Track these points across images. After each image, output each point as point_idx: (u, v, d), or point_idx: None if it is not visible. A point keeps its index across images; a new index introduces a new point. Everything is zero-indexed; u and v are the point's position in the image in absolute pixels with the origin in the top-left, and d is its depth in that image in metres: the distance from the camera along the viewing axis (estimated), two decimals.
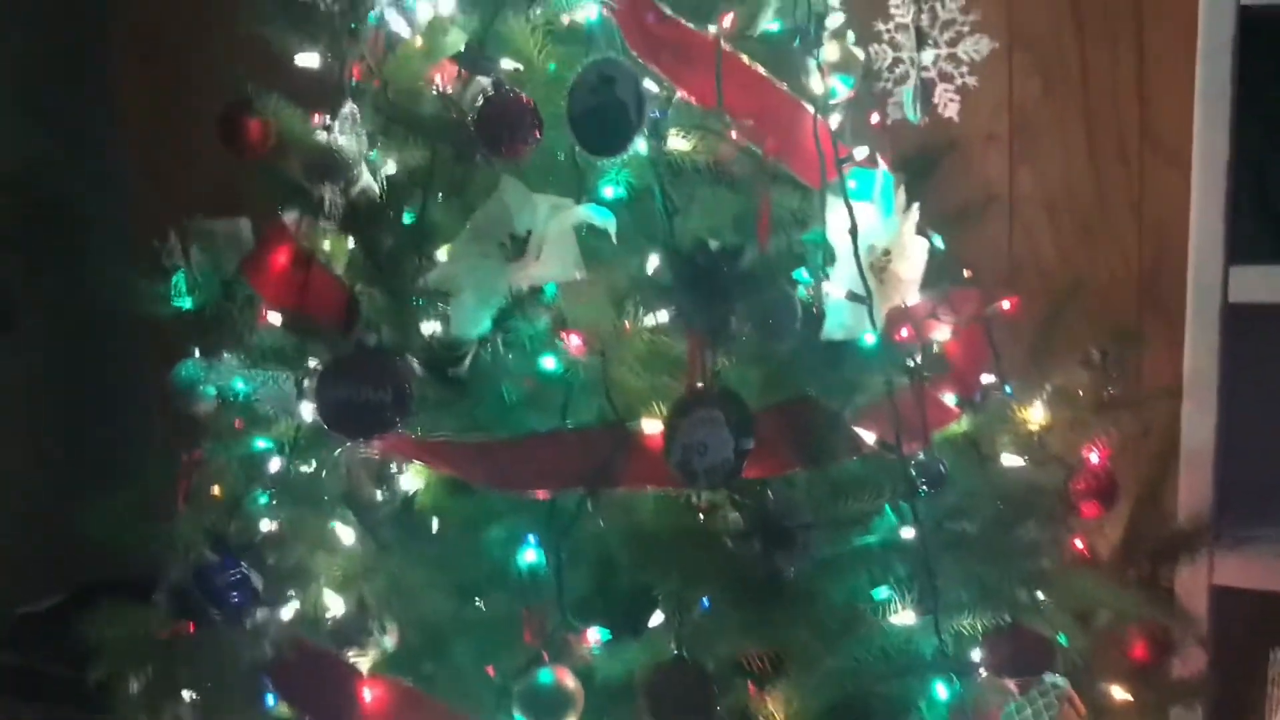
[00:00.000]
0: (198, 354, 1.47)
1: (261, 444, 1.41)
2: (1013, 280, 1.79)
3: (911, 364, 1.23)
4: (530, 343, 1.20)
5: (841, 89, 1.39)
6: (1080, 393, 1.46)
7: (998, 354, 1.48)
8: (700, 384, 1.10)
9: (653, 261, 1.22)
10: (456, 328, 1.19)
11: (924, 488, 1.17)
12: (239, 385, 1.42)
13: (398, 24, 1.35)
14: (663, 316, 1.20)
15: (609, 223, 1.21)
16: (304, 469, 1.34)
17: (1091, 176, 1.80)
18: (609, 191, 1.25)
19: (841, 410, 1.17)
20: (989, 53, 1.52)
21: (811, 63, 1.37)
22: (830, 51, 1.39)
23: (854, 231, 1.27)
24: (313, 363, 1.29)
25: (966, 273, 1.53)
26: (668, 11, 1.33)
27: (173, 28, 2.38)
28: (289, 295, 1.37)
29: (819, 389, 1.17)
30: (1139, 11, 1.74)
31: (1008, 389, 1.47)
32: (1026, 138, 1.82)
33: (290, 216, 1.41)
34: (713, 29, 1.31)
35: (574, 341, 1.17)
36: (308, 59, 1.34)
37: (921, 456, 1.19)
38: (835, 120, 1.40)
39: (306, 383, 1.29)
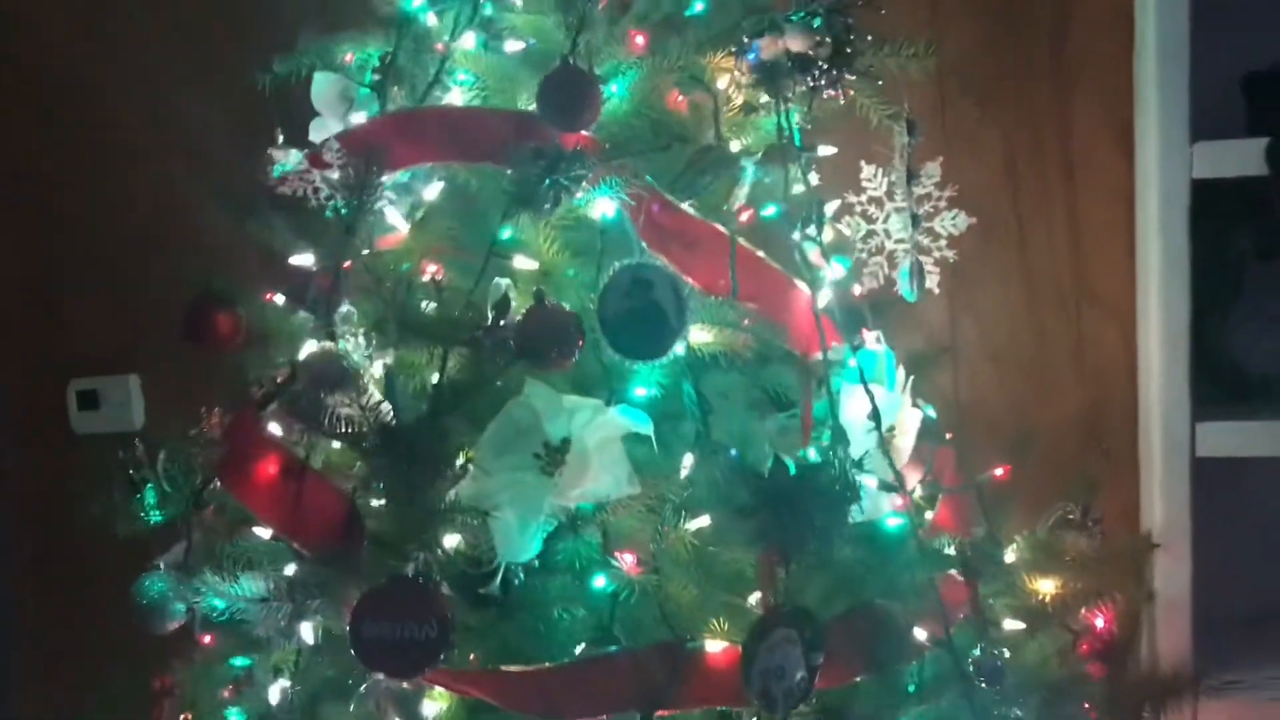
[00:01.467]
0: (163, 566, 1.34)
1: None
2: (962, 429, 1.83)
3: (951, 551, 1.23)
4: (579, 560, 1.14)
5: (838, 269, 1.41)
6: (1070, 553, 1.49)
7: (988, 517, 1.50)
8: (773, 601, 1.07)
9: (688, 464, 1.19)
10: (503, 552, 1.12)
11: (982, 683, 1.16)
12: (218, 602, 1.30)
13: (393, 217, 1.29)
14: (704, 521, 1.17)
15: (646, 427, 1.17)
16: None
17: (1032, 327, 1.87)
18: (640, 392, 1.21)
19: (902, 613, 1.15)
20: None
21: (811, 246, 1.38)
22: (826, 233, 1.40)
23: (877, 417, 1.27)
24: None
25: (948, 434, 1.56)
26: (670, 199, 1.32)
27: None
28: (280, 509, 1.27)
29: (877, 591, 1.15)
30: (1070, 172, 1.83)
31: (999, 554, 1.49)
32: (966, 290, 1.88)
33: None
34: (722, 226, 1.31)
35: (628, 560, 1.12)
36: (303, 259, 1.26)
37: (978, 652, 1.18)
38: (828, 298, 1.42)
39: (307, 601, 1.20)
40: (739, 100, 1.40)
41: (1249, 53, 1.58)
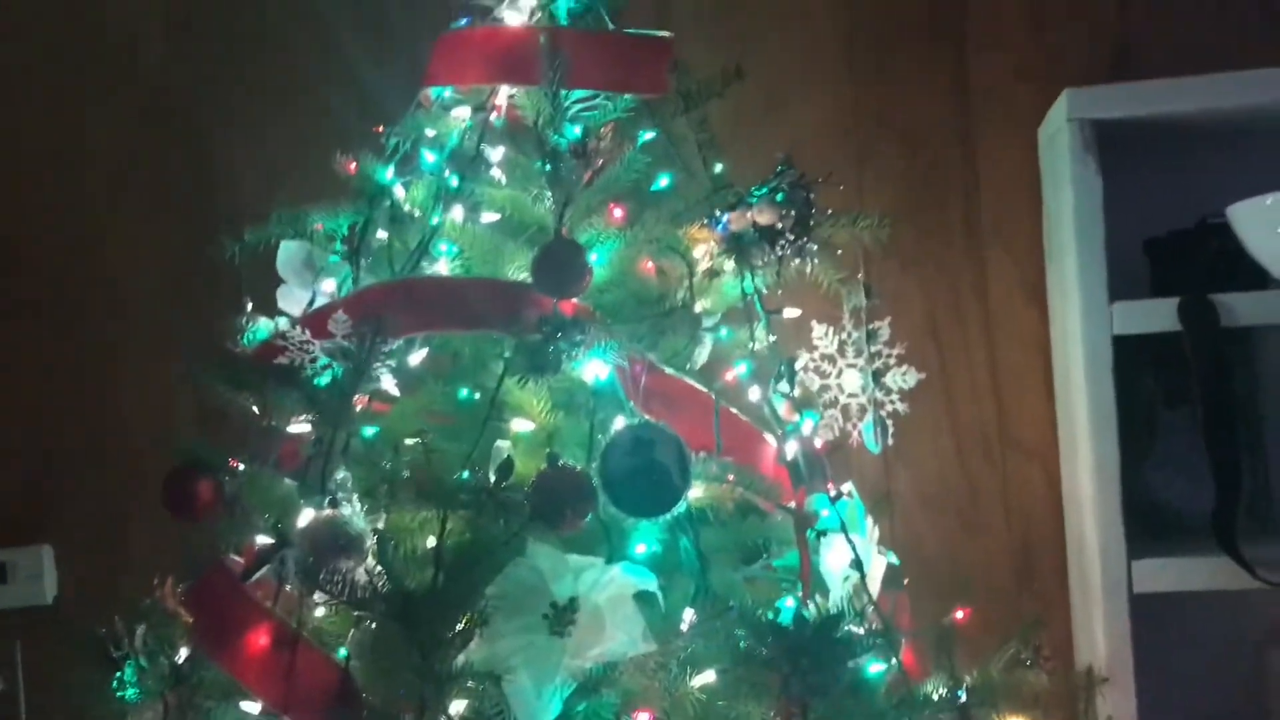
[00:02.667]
0: None
1: None
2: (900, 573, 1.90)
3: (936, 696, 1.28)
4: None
5: (808, 424, 1.48)
6: (1027, 691, 1.55)
7: (952, 663, 1.56)
8: None
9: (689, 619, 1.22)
10: (520, 717, 1.12)
11: None
12: None
13: (388, 384, 1.31)
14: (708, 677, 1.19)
15: (653, 584, 1.20)
16: None
17: (961, 472, 1.97)
18: (640, 549, 1.25)
19: None
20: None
21: (780, 401, 1.45)
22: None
23: (860, 567, 1.33)
24: None
25: (905, 580, 1.63)
26: (654, 361, 1.38)
27: None
28: (270, 680, 1.25)
29: None
30: (988, 326, 1.96)
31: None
32: (899, 439, 1.97)
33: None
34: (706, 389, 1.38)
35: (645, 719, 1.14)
36: (300, 427, 1.27)
37: None
38: (795, 450, 1.49)
39: None
40: (704, 266, 1.48)
41: (1150, 220, 1.75)
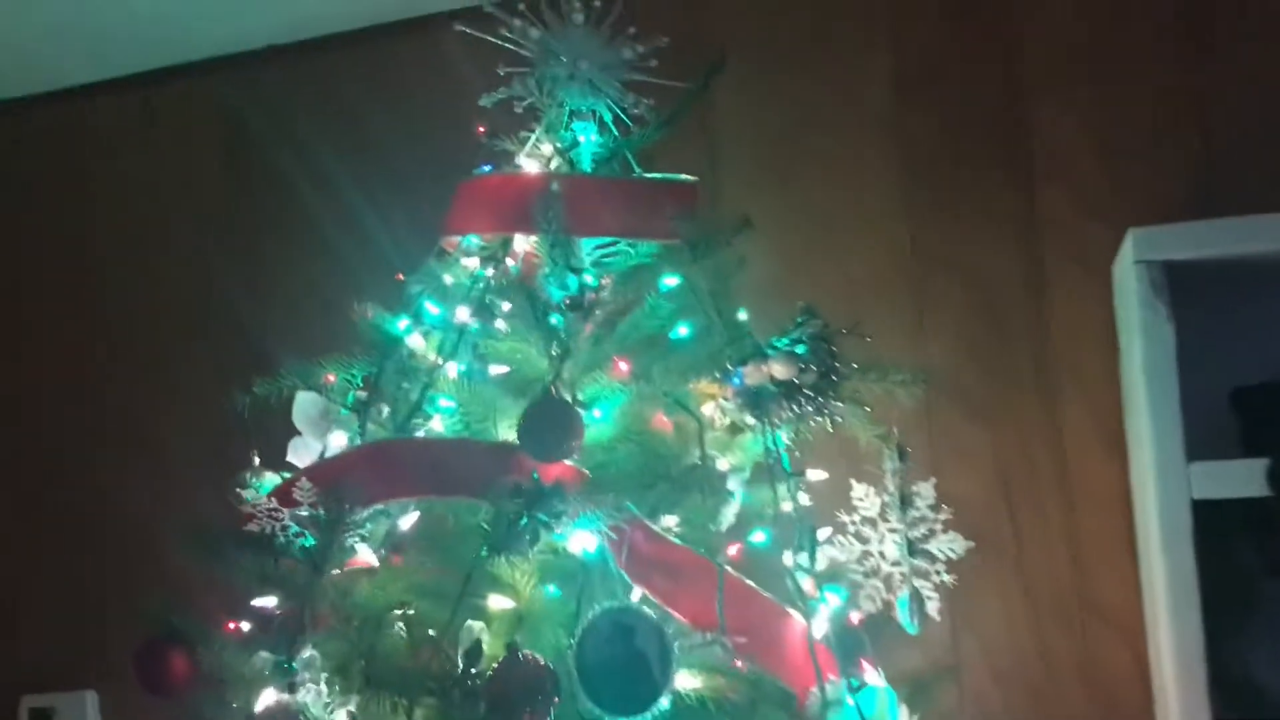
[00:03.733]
0: None
1: None
2: None
3: None
4: None
5: (833, 599, 1.34)
6: None
7: None
8: None
9: None
10: None
11: None
12: None
13: (365, 553, 1.23)
14: None
15: None
16: None
17: (1036, 645, 1.78)
18: None
19: None
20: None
21: (802, 573, 1.32)
22: (820, 560, 1.35)
23: None
24: None
25: None
26: (654, 528, 1.27)
27: None
28: None
29: None
30: (1063, 482, 1.79)
31: None
32: (965, 607, 1.80)
33: None
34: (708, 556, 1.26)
35: None
36: (266, 601, 1.20)
37: None
38: (823, 629, 1.34)
39: None
40: (725, 421, 1.37)
41: (1236, 369, 1.58)
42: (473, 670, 1.09)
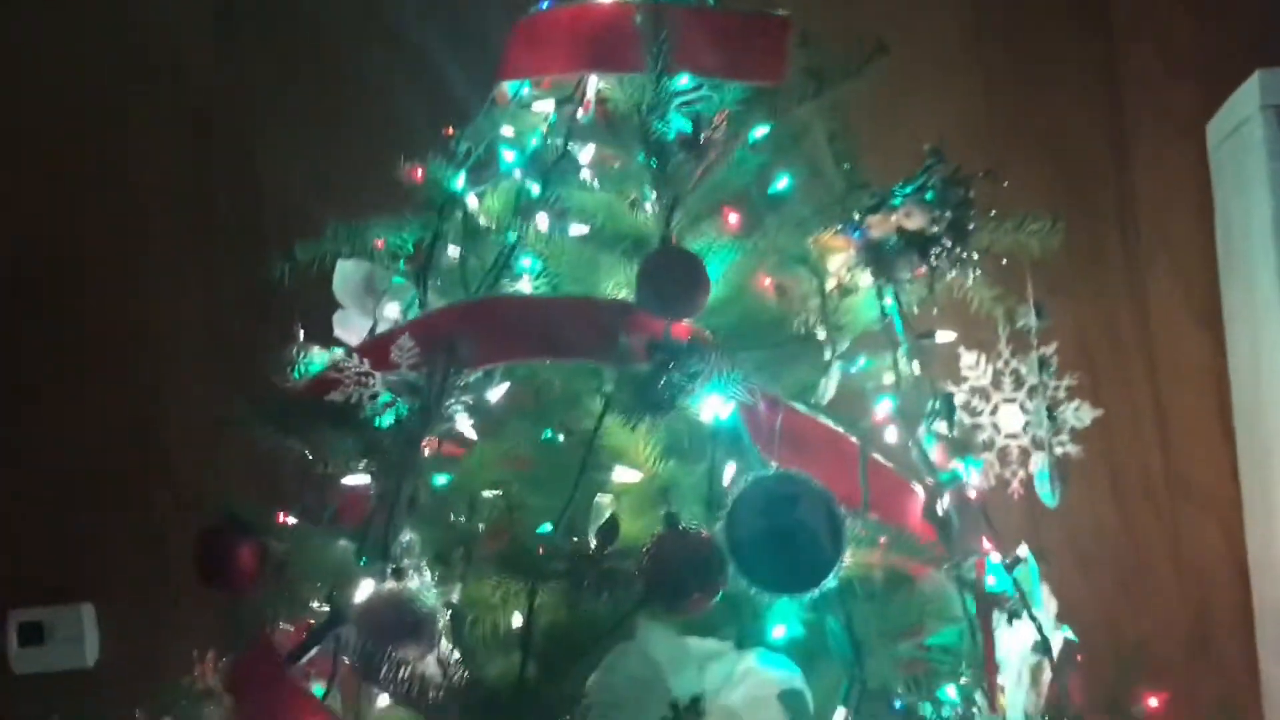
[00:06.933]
0: None
1: None
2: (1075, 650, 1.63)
3: None
4: None
5: (969, 473, 1.23)
6: None
7: None
8: None
9: None
10: None
11: None
12: None
13: (463, 425, 1.08)
14: None
15: (796, 678, 0.95)
16: None
17: (1121, 525, 1.70)
18: (779, 632, 1.00)
19: None
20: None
21: (933, 445, 1.21)
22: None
23: (1047, 647, 1.07)
24: None
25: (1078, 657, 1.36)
26: (780, 397, 1.14)
27: None
28: None
29: None
30: (1152, 359, 1.69)
31: None
32: None
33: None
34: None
35: None
36: (359, 479, 1.05)
37: None
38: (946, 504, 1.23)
39: None
40: (840, 283, 1.24)
41: None
42: (606, 550, 0.96)
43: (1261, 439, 1.52)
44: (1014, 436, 1.39)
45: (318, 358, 1.33)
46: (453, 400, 1.01)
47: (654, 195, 1.13)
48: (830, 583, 0.93)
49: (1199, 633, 1.67)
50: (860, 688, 0.98)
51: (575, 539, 0.98)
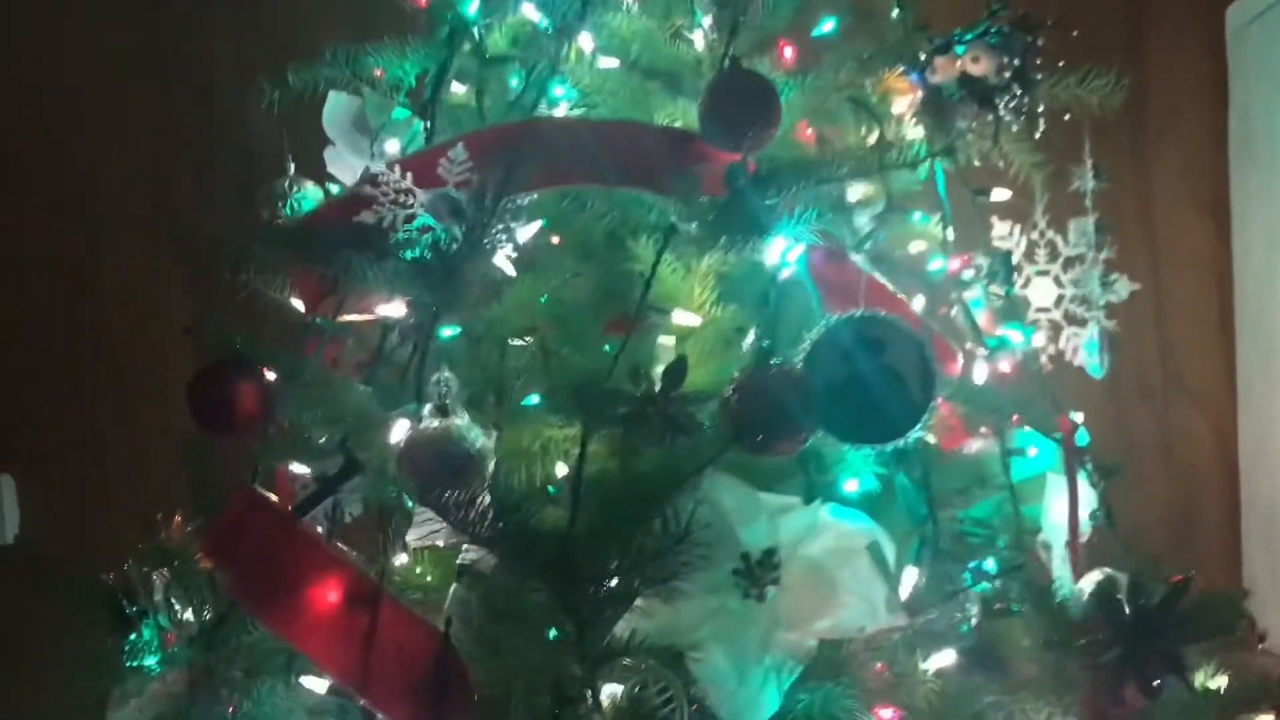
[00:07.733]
0: None
1: None
2: None
3: None
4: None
5: (1015, 336, 1.17)
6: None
7: None
8: None
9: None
10: (722, 713, 0.80)
11: None
12: None
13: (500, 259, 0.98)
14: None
15: (878, 533, 0.89)
16: None
17: (1114, 420, 1.67)
18: (851, 485, 0.93)
19: None
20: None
21: (979, 307, 1.15)
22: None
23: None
24: None
25: None
26: (840, 248, 1.06)
27: None
28: (342, 650, 0.92)
29: None
30: (1152, 246, 1.66)
31: None
32: None
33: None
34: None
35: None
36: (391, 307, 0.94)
37: None
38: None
39: None
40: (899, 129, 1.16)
41: None
42: (673, 393, 0.87)
43: (1267, 329, 1.49)
44: (1044, 310, 1.35)
45: (310, 193, 1.22)
46: (502, 226, 0.91)
47: (705, 20, 1.04)
48: (919, 433, 0.87)
49: (1184, 529, 1.67)
50: (933, 547, 0.92)
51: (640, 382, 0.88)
